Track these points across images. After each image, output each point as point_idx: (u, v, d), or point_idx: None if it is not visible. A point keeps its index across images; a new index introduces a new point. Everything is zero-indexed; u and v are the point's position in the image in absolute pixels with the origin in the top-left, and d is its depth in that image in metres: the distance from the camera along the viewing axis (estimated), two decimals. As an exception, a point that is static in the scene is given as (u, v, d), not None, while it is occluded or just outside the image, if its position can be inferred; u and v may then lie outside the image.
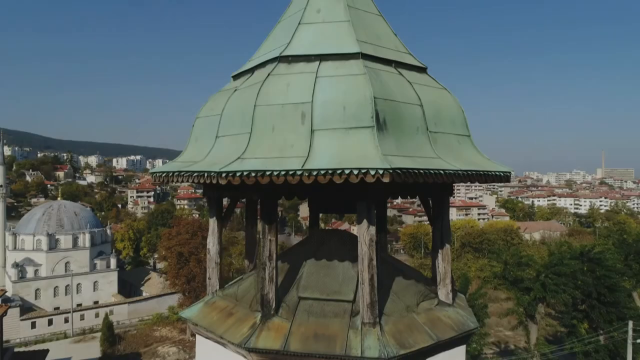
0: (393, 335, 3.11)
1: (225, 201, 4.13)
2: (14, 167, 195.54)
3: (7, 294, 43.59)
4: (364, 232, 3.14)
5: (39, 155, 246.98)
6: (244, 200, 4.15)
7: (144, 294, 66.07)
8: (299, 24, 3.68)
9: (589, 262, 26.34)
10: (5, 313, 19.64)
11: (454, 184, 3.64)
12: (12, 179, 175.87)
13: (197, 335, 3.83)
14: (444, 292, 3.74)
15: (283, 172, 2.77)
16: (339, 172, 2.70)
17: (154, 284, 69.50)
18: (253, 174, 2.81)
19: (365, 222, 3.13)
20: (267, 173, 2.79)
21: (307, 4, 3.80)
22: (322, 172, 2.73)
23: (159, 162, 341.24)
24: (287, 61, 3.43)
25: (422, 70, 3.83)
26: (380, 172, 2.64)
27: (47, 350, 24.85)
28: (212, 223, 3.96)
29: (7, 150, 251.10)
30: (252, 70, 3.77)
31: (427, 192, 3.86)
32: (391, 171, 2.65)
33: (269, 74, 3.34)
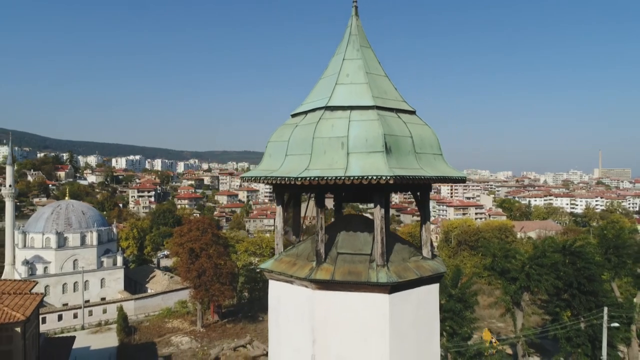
0: (394, 272, 5.34)
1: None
2: (16, 167, 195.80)
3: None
4: (377, 212, 5.37)
5: (38, 155, 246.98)
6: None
7: (149, 290, 67.72)
8: (336, 84, 5.91)
9: (571, 255, 28.78)
10: (42, 301, 21.78)
11: (431, 184, 5.88)
12: (14, 179, 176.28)
13: (270, 280, 6.06)
14: (425, 251, 6.00)
15: (334, 177, 4.99)
16: (365, 177, 4.92)
17: (158, 281, 71.32)
18: (317, 179, 5.04)
19: (378, 206, 5.37)
20: (325, 178, 5.02)
21: (340, 70, 6.03)
22: (356, 177, 4.95)
23: (157, 162, 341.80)
24: (331, 109, 5.66)
25: (412, 112, 6.08)
26: (388, 177, 4.86)
27: (74, 337, 26.89)
28: (279, 209, 6.20)
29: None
30: (305, 112, 6.00)
31: (415, 189, 6.10)
32: (394, 177, 4.87)
33: (320, 118, 5.57)
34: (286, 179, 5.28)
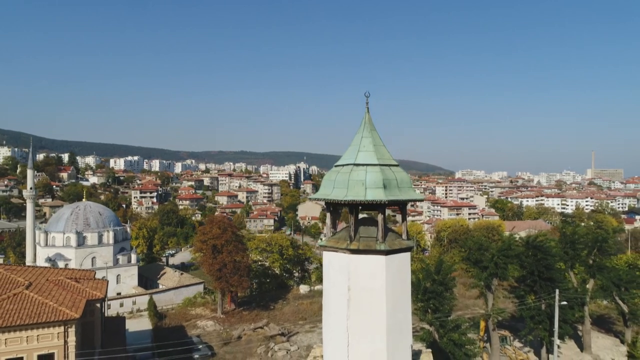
0: (388, 245, 11.04)
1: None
2: (19, 169, 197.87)
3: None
4: (380, 216, 11.08)
5: (37, 156, 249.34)
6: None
7: (160, 286, 72.62)
8: (358, 151, 11.61)
9: (533, 248, 34.85)
10: (107, 286, 27.19)
11: (407, 202, 11.61)
12: (18, 180, 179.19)
13: (324, 251, 11.74)
14: (404, 235, 11.74)
15: (360, 200, 10.69)
16: (374, 200, 10.61)
17: (169, 277, 76.57)
18: (351, 200, 10.74)
19: (380, 213, 11.08)
20: (355, 200, 10.72)
21: (360, 143, 11.73)
22: (370, 200, 10.64)
23: (155, 163, 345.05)
24: (356, 165, 11.33)
25: (397, 165, 11.78)
26: (386, 200, 10.56)
27: (125, 317, 32.13)
28: (329, 215, 11.88)
29: (7, 151, 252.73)
30: (342, 165, 11.69)
31: (399, 204, 11.82)
32: (388, 200, 10.56)
33: (351, 170, 11.26)
34: (336, 200, 11.00)
